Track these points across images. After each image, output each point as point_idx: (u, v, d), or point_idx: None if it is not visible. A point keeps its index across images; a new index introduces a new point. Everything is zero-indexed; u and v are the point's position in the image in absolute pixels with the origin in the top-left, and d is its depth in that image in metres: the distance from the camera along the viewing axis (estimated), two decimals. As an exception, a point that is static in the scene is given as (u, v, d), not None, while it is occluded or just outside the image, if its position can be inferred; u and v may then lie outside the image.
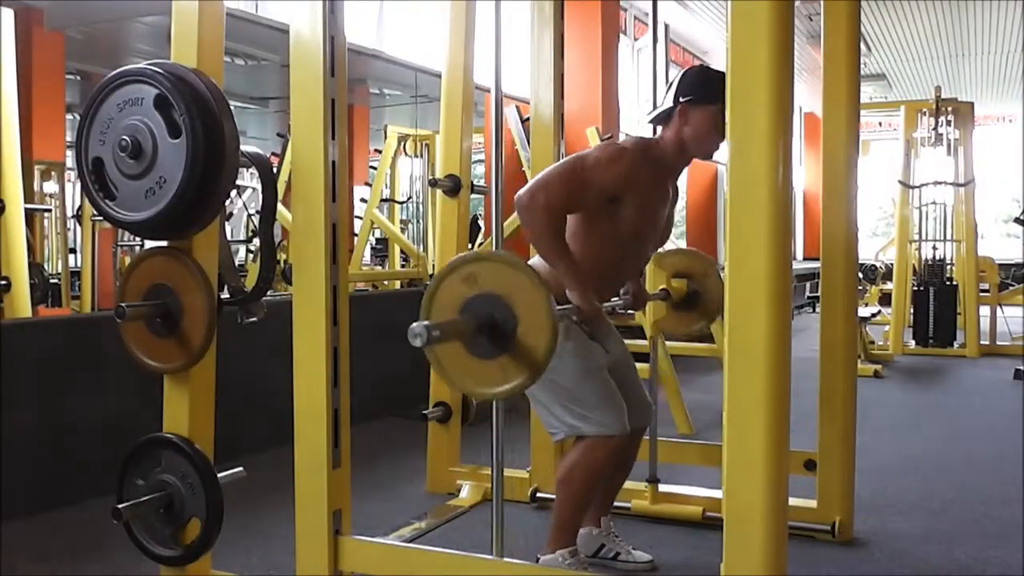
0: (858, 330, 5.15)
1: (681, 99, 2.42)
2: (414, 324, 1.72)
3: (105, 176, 2.08)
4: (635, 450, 2.70)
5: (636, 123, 7.59)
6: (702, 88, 2.42)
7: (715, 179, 12.28)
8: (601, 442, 2.37)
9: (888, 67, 12.44)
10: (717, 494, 2.77)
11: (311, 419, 2.18)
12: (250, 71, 8.09)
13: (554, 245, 2.29)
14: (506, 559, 2.19)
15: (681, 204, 12.02)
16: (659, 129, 2.52)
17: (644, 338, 3.03)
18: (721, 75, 2.55)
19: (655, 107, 2.59)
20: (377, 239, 8.83)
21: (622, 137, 8.08)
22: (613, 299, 2.63)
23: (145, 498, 2.18)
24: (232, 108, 2.08)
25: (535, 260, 2.57)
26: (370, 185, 8.43)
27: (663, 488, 3.13)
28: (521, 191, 2.31)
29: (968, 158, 8.03)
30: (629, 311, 2.84)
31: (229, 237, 3.08)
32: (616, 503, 3.08)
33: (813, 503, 2.95)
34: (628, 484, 3.14)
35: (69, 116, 7.39)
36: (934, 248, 8.10)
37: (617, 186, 2.37)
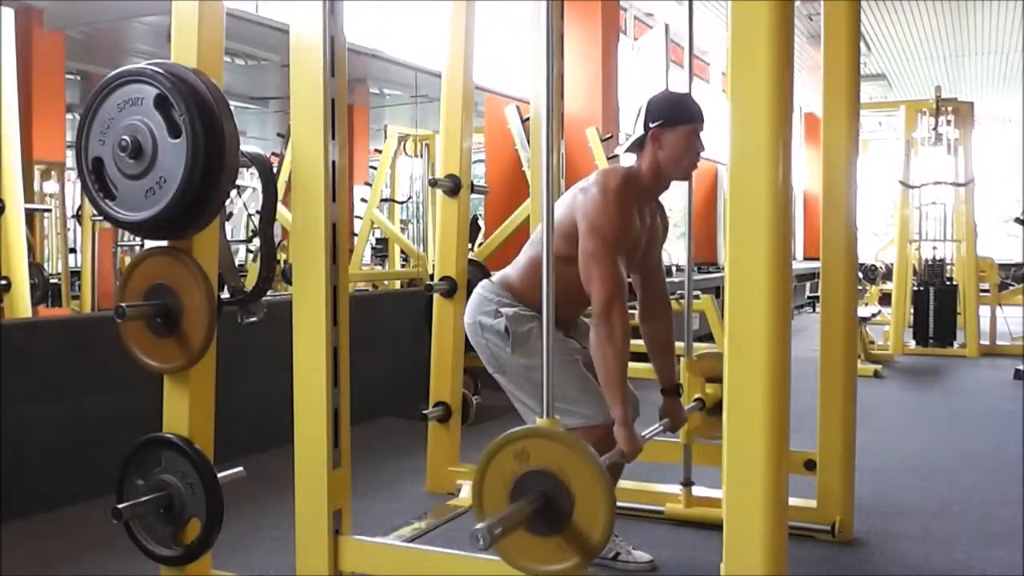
0: (858, 330, 5.15)
1: (651, 124, 2.45)
2: (476, 528, 1.67)
3: (105, 176, 2.08)
4: None
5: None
6: (670, 111, 2.46)
7: (715, 179, 12.29)
8: (586, 433, 2.37)
9: (888, 67, 12.44)
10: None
11: (311, 419, 2.18)
12: (250, 71, 8.09)
13: (620, 375, 2.32)
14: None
15: (682, 204, 12.04)
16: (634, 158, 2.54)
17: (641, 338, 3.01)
18: (686, 96, 2.59)
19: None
20: (377, 239, 8.83)
21: (622, 137, 8.08)
22: (654, 428, 2.62)
23: (145, 498, 2.18)
24: (232, 108, 2.08)
25: (509, 271, 2.59)
26: (370, 185, 8.42)
27: (697, 492, 3.09)
28: (595, 310, 2.31)
29: (968, 158, 8.03)
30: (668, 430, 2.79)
31: (229, 237, 3.07)
32: (649, 507, 3.07)
33: (813, 503, 2.95)
34: (662, 487, 3.15)
35: (69, 116, 7.39)
36: (934, 248, 8.11)
37: (627, 231, 2.42)
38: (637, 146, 2.51)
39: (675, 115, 2.45)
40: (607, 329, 2.30)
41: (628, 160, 2.58)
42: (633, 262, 2.57)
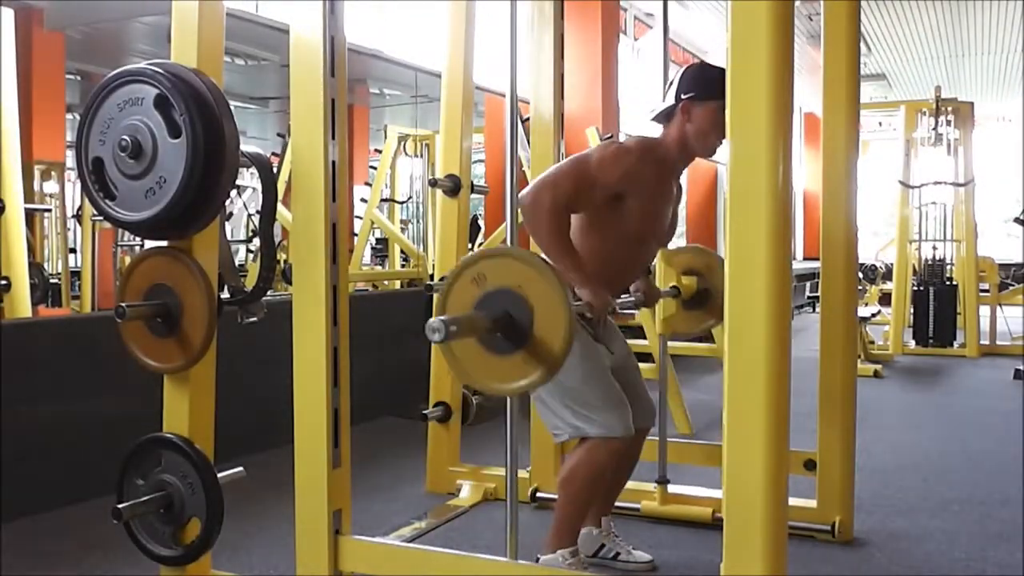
0: (858, 330, 5.15)
1: (683, 96, 2.42)
2: (431, 320, 1.71)
3: (105, 176, 2.08)
4: (638, 451, 2.71)
5: (636, 123, 7.59)
6: (704, 85, 2.41)
7: (715, 179, 12.27)
8: (604, 443, 2.37)
9: (888, 67, 12.44)
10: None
11: (311, 419, 2.18)
12: (250, 71, 8.09)
13: (557, 242, 2.29)
14: (505, 559, 2.19)
15: (682, 203, 12.07)
16: (661, 128, 2.52)
17: (644, 337, 3.01)
18: (722, 71, 2.55)
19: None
20: (377, 239, 8.83)
21: (623, 137, 8.09)
22: (623, 296, 2.63)
23: (145, 498, 2.18)
24: (232, 108, 2.08)
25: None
26: (370, 185, 8.43)
27: (672, 489, 3.11)
28: (524, 191, 2.31)
29: (968, 158, 8.03)
30: (635, 310, 2.80)
31: (229, 237, 3.07)
32: (625, 504, 3.07)
33: (813, 503, 2.95)
34: (637, 485, 3.14)
35: (69, 116, 7.39)
36: (934, 248, 8.10)
37: (621, 183, 2.38)
38: (666, 116, 2.48)
39: (709, 90, 2.37)
40: (533, 206, 2.29)
41: (653, 130, 2.54)
42: (656, 229, 2.56)
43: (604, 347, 2.49)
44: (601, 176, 2.36)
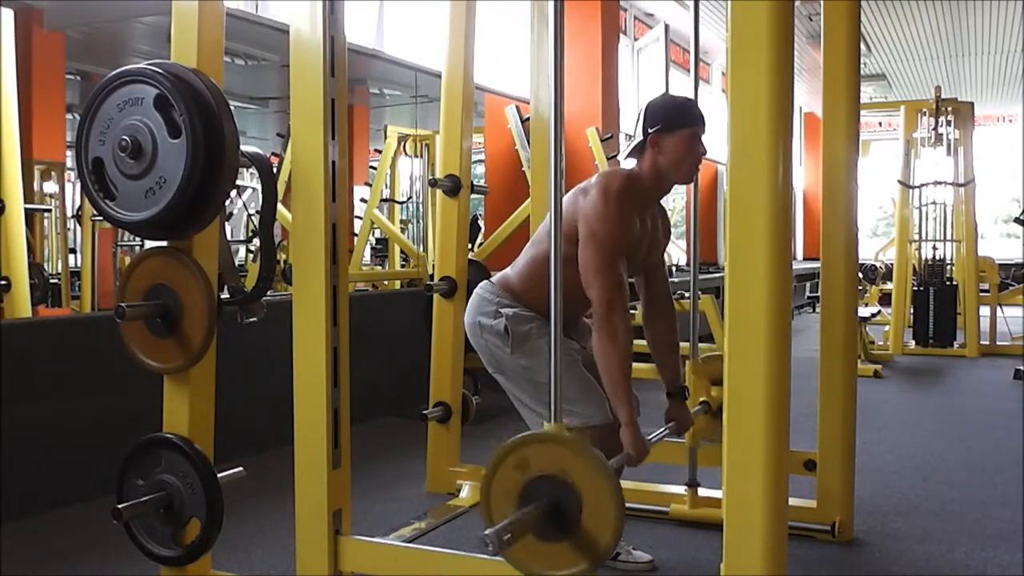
0: (858, 330, 5.15)
1: (650, 130, 2.45)
2: (487, 532, 1.67)
3: (105, 176, 2.08)
4: (621, 447, 2.70)
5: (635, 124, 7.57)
6: (668, 115, 2.46)
7: (715, 179, 12.28)
8: (585, 432, 2.38)
9: (888, 67, 12.45)
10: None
11: (311, 419, 2.18)
12: (250, 71, 8.08)
13: (624, 375, 2.32)
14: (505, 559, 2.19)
15: (681, 205, 12.06)
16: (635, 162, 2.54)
17: (643, 338, 3.00)
18: (685, 100, 2.58)
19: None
20: (377, 239, 8.82)
21: (622, 138, 8.08)
22: (660, 431, 2.62)
23: (145, 498, 2.18)
24: (232, 108, 2.08)
25: (509, 272, 2.58)
26: (370, 185, 8.42)
27: (702, 492, 3.08)
28: (595, 307, 2.30)
29: (968, 158, 8.03)
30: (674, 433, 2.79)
31: (229, 237, 3.07)
32: (654, 507, 3.08)
33: (813, 503, 2.96)
34: (667, 488, 3.16)
35: (69, 116, 7.38)
36: (934, 248, 8.10)
37: (627, 235, 2.41)
38: (638, 151, 2.50)
39: (673, 119, 2.44)
40: (609, 333, 2.29)
41: (630, 164, 2.57)
42: (635, 265, 2.56)
43: (574, 341, 2.52)
44: (622, 243, 2.37)
